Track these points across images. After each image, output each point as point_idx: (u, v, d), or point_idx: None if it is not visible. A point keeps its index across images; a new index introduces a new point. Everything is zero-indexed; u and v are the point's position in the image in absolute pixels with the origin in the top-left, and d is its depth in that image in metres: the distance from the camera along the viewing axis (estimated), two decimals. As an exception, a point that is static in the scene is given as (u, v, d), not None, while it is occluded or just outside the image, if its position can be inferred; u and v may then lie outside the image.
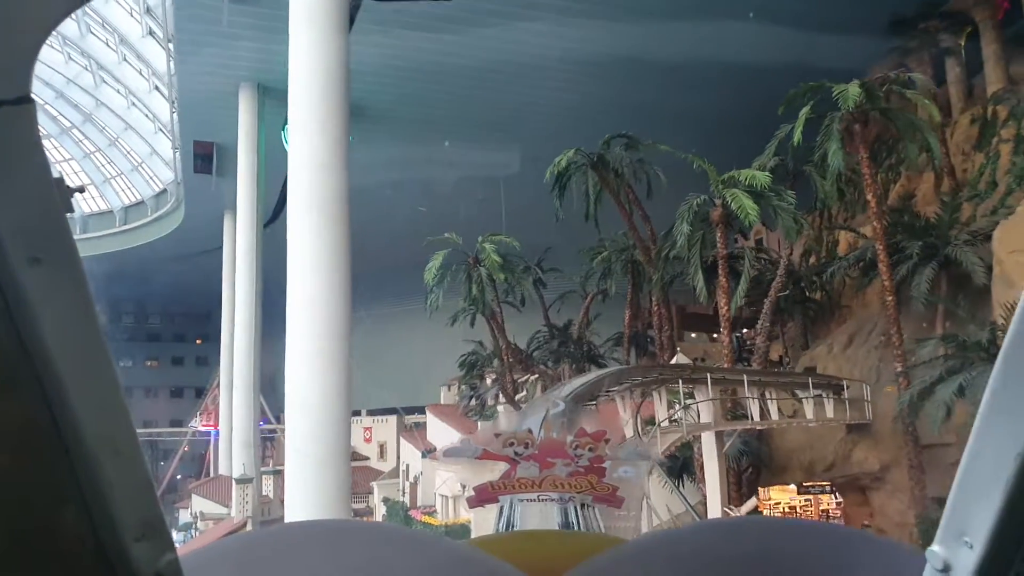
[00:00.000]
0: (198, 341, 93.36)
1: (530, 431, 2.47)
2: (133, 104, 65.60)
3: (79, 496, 0.68)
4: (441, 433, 49.36)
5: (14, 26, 0.60)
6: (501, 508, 2.98)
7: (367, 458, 69.55)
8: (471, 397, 43.71)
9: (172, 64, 48.93)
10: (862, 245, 34.56)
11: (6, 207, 0.61)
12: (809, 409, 27.79)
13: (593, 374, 23.48)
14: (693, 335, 74.80)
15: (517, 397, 45.06)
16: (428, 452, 48.69)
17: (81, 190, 0.76)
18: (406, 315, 73.48)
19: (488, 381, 49.81)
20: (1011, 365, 0.67)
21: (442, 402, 57.74)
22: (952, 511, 0.76)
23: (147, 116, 65.35)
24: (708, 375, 23.84)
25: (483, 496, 2.60)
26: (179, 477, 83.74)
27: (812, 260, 43.79)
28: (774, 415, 26.31)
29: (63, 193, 0.66)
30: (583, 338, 41.60)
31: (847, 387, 30.80)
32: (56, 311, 0.64)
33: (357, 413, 76.23)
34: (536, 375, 42.16)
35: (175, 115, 56.12)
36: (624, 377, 21.56)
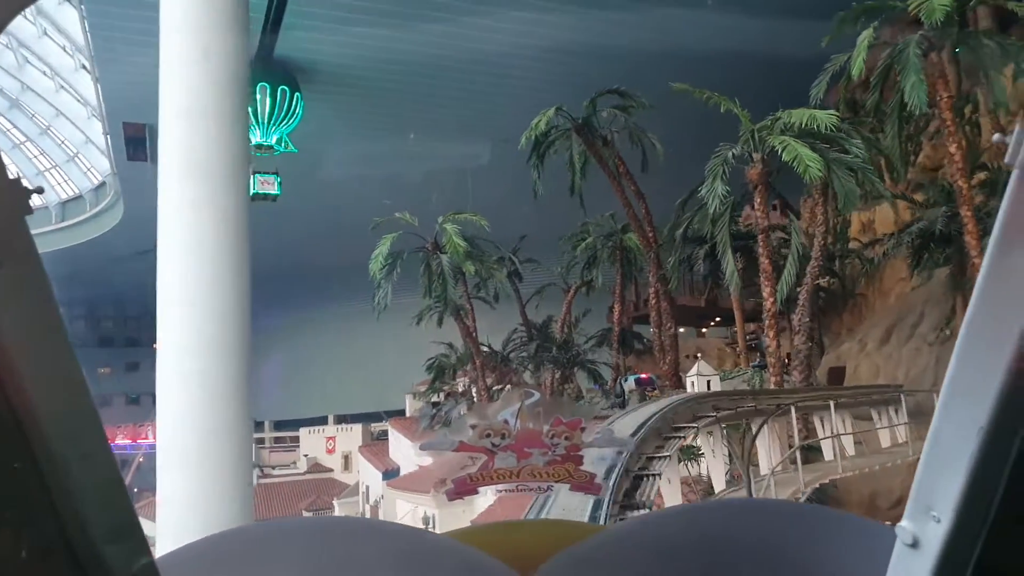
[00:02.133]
0: (155, 345, 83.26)
1: (506, 422, 2.21)
2: (62, 87, 55.75)
3: (48, 501, 0.64)
4: (404, 450, 40.35)
5: None
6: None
7: (330, 470, 60.82)
8: (432, 417, 34.48)
9: (88, 30, 39.30)
10: (917, 217, 25.86)
11: None
12: (886, 435, 19.15)
13: (655, 404, 15.89)
14: (682, 330, 66.30)
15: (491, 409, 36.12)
16: (388, 474, 39.58)
17: (40, 191, 0.69)
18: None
19: (460, 387, 40.67)
20: (971, 342, 0.66)
21: (408, 411, 48.50)
22: (919, 486, 0.74)
23: (77, 99, 55.54)
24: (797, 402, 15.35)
25: (462, 488, 2.34)
26: (135, 490, 74.01)
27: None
28: (850, 449, 17.62)
29: (20, 194, 0.62)
30: (569, 339, 32.63)
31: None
32: (18, 315, 0.60)
33: (323, 421, 67.38)
34: (513, 383, 33.08)
35: (99, 94, 46.43)
36: (702, 407, 15.11)
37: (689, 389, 23.31)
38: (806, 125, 19.26)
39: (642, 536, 1.44)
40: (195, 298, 15.15)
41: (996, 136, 0.69)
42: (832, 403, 17.46)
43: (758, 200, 20.46)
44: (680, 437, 13.61)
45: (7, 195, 0.60)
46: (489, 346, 46.96)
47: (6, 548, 0.64)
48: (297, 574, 1.19)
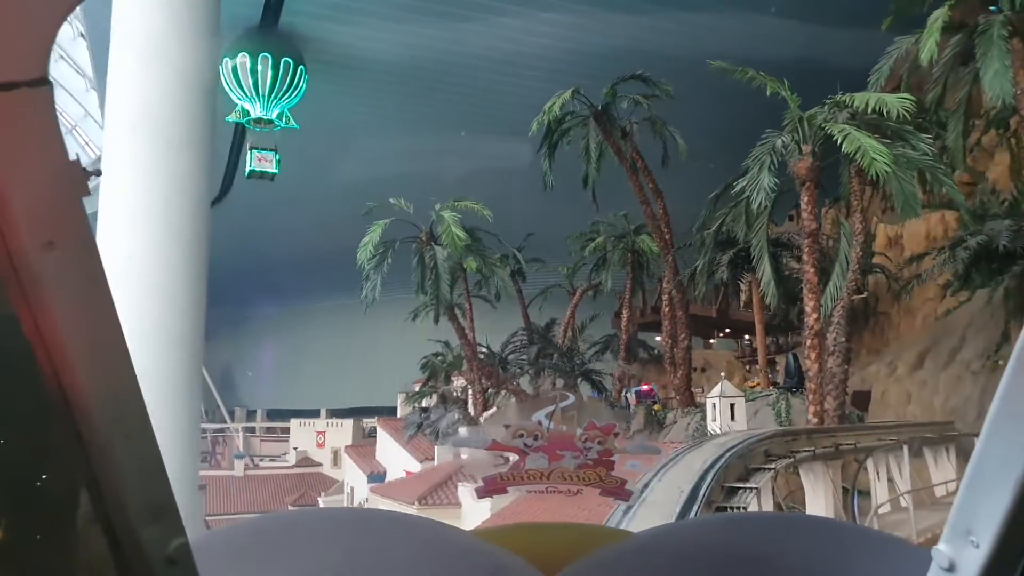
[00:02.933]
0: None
1: (540, 423, 2.29)
2: (61, 56, 52.72)
3: (92, 481, 0.65)
4: (391, 453, 37.22)
5: (33, 5, 0.56)
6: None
7: (320, 464, 57.78)
8: (419, 425, 31.11)
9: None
10: (970, 231, 22.55)
11: (22, 190, 0.58)
12: (940, 475, 15.95)
13: (738, 435, 13.88)
14: (682, 336, 62.93)
15: (486, 414, 32.87)
16: (374, 477, 36.39)
17: (98, 173, 0.63)
18: (380, 305, 61.18)
19: (455, 389, 37.39)
20: (1022, 366, 0.63)
21: (399, 411, 45.26)
22: (959, 510, 0.71)
23: (75, 70, 52.52)
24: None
25: (492, 487, 2.44)
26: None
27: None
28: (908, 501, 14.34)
29: (79, 176, 0.61)
30: (573, 346, 29.29)
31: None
32: (71, 296, 0.60)
33: (316, 414, 64.31)
34: (509, 390, 29.71)
35: (92, 62, 43.43)
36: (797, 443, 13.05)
37: (709, 412, 20.12)
38: (873, 110, 16.00)
39: (668, 545, 1.38)
40: (142, 291, 13.03)
41: None
42: (905, 446, 14.21)
43: (806, 199, 17.23)
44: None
45: (64, 176, 0.59)
46: (488, 347, 43.78)
47: (49, 525, 0.65)
48: (327, 563, 1.16)
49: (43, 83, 0.56)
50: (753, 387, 48.39)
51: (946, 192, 20.59)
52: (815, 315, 17.27)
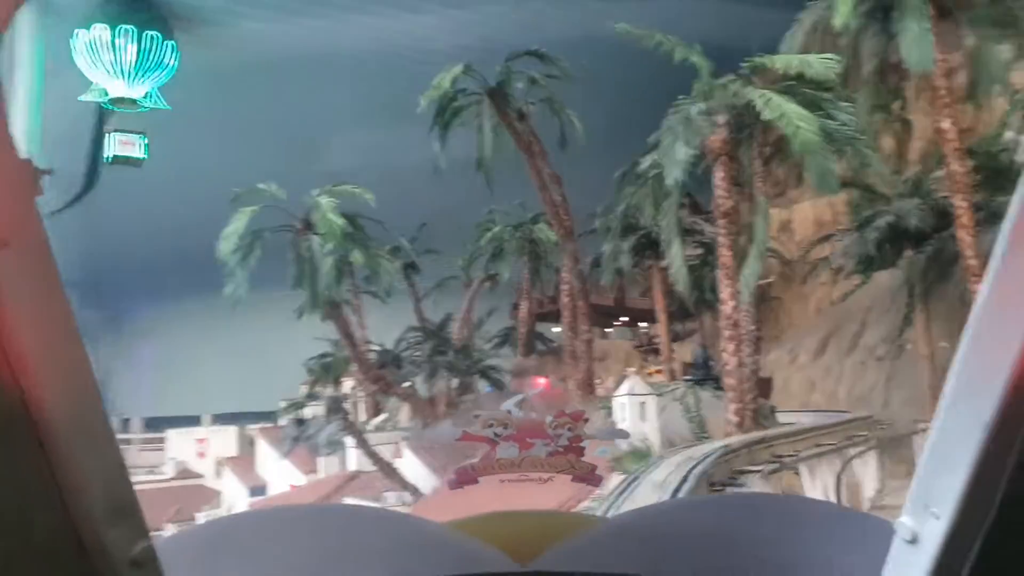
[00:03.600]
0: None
1: (509, 412, 2.32)
2: None
3: (53, 485, 0.63)
4: (271, 464, 33.94)
5: None
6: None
7: (201, 476, 53.12)
8: (294, 438, 28.03)
9: None
10: (878, 209, 21.57)
11: None
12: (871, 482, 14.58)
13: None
14: (583, 329, 61.67)
15: (374, 422, 30.14)
16: (256, 490, 32.99)
17: (49, 172, 0.59)
18: (270, 301, 56.90)
19: (345, 392, 34.32)
20: (977, 341, 0.66)
21: (280, 419, 41.67)
22: (919, 483, 0.73)
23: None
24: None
25: (463, 478, 2.40)
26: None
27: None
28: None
29: (30, 175, 0.61)
30: (469, 343, 26.95)
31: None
32: (25, 297, 0.59)
33: (196, 422, 59.49)
34: (399, 394, 26.87)
35: None
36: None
37: (617, 412, 18.24)
38: (794, 75, 14.32)
39: (640, 528, 1.39)
40: None
41: (1008, 135, 0.55)
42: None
43: (720, 175, 15.49)
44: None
45: (17, 175, 0.57)
46: (382, 346, 40.81)
47: (12, 529, 0.62)
48: (297, 559, 1.13)
49: None
50: (652, 374, 47.57)
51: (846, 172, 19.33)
52: (732, 303, 15.58)
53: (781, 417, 22.38)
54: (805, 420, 23.39)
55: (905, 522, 0.76)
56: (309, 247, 20.03)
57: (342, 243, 20.94)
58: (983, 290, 0.65)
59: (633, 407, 17.57)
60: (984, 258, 16.98)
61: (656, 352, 44.21)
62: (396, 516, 1.57)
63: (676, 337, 52.71)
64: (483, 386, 30.47)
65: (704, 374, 22.71)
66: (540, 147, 27.69)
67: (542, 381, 42.98)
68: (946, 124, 16.50)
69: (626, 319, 54.15)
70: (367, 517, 1.44)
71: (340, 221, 19.46)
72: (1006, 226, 0.61)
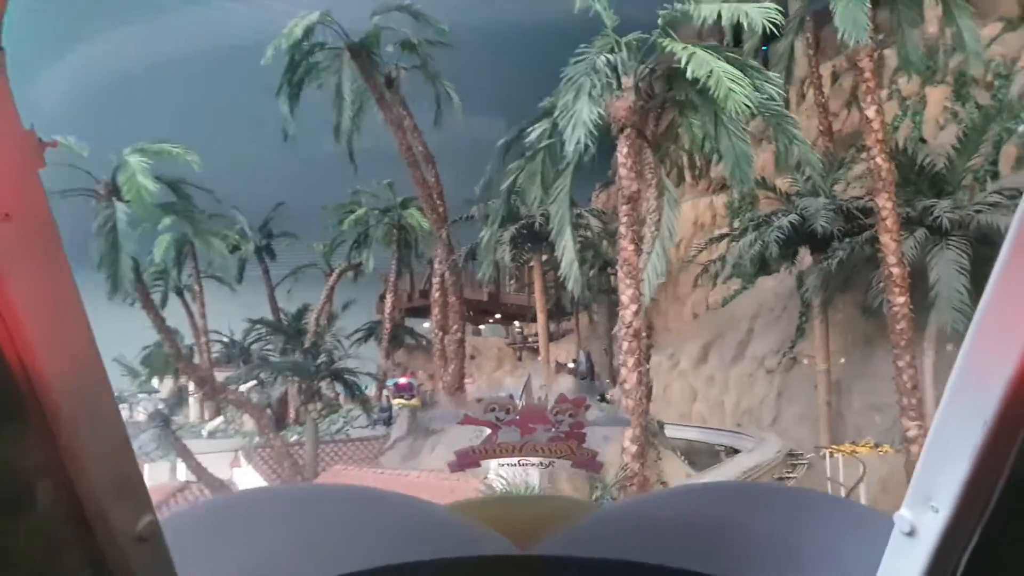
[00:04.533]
0: None
1: (511, 397, 2.72)
2: None
3: (57, 459, 0.63)
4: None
5: None
6: None
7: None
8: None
9: None
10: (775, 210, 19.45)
11: None
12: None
13: None
14: (455, 327, 58.30)
15: (211, 425, 25.52)
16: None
17: (53, 144, 0.65)
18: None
19: (172, 396, 29.31)
20: (980, 336, 0.65)
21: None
22: (920, 476, 0.73)
23: None
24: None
25: (464, 461, 2.64)
26: None
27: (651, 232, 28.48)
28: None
29: (34, 147, 0.59)
30: (318, 340, 22.75)
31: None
32: (29, 270, 0.58)
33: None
34: (229, 399, 22.34)
35: None
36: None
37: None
38: (729, 22, 11.44)
39: (638, 514, 1.40)
40: None
41: (1021, 128, 0.56)
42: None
43: (625, 150, 12.43)
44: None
45: (19, 147, 0.57)
46: (231, 337, 35.92)
47: (15, 504, 0.62)
48: (300, 538, 1.15)
49: None
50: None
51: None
52: (634, 307, 12.61)
53: (667, 431, 19.88)
54: (691, 435, 20.96)
55: (904, 515, 0.74)
56: (112, 216, 15.56)
57: (152, 213, 16.49)
58: (989, 288, 0.62)
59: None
60: (908, 266, 14.92)
61: (532, 351, 41.60)
62: (397, 497, 1.44)
63: (551, 337, 50.42)
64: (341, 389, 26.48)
65: (588, 385, 19.87)
66: (412, 121, 24.01)
67: (403, 380, 39.43)
68: (871, 112, 14.27)
69: (499, 316, 51.26)
70: (373, 498, 1.40)
71: (151, 186, 15.08)
72: (1013, 225, 0.59)
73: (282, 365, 21.42)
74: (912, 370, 13.63)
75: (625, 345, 12.74)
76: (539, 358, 27.26)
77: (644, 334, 17.74)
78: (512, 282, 46.44)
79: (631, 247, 12.37)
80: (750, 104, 10.90)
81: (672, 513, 1.34)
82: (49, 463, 0.62)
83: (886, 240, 14.15)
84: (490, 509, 1.69)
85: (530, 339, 48.94)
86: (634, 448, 12.56)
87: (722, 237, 22.09)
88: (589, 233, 25.34)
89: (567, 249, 13.50)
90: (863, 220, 17.69)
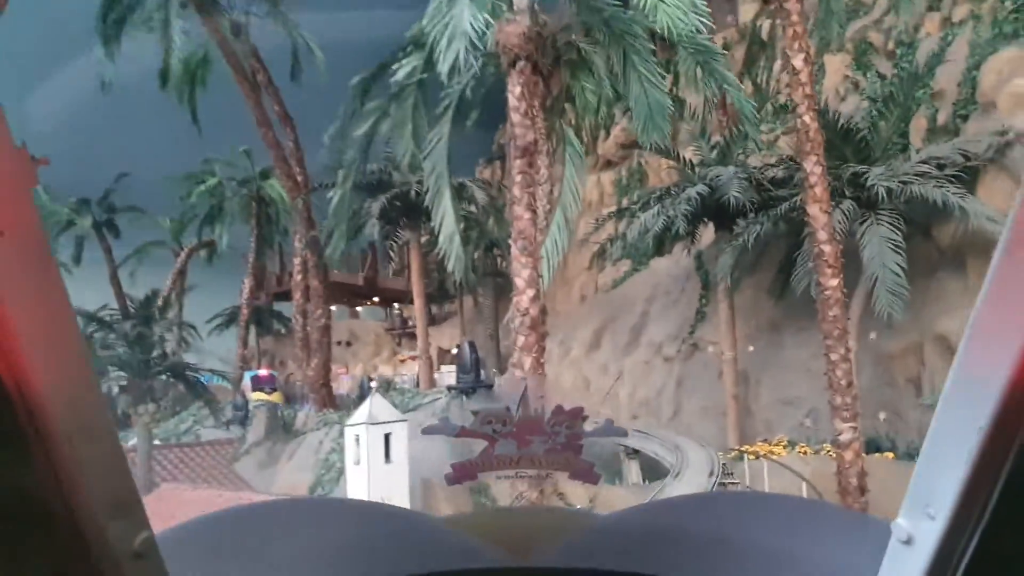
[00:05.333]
0: None
1: (508, 408, 1.94)
2: None
3: (53, 477, 0.62)
4: None
5: None
6: None
7: None
8: None
9: None
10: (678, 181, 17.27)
11: None
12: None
13: None
14: (333, 308, 54.02)
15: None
16: None
17: (45, 161, 0.67)
18: None
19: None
20: (975, 340, 0.64)
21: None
22: (916, 484, 0.73)
23: None
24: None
25: (461, 474, 1.97)
26: None
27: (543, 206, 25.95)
28: None
29: (26, 165, 0.60)
30: (145, 331, 18.69)
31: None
32: (22, 286, 0.58)
33: None
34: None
35: None
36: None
37: (350, 448, 11.73)
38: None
39: (637, 525, 1.37)
40: None
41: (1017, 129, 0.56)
42: None
43: (518, 91, 9.46)
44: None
45: (12, 164, 0.57)
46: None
47: (8, 521, 0.62)
48: (296, 552, 1.14)
49: None
50: (404, 361, 41.54)
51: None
52: (532, 291, 9.71)
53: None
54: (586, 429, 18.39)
55: (901, 523, 0.73)
56: None
57: None
58: (983, 291, 0.61)
59: (374, 441, 11.33)
60: (839, 241, 12.87)
61: (412, 336, 38.45)
62: (393, 510, 1.52)
63: (432, 321, 47.17)
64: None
65: (474, 380, 16.98)
66: (267, 77, 20.24)
67: (263, 373, 35.40)
68: (799, 61, 12.05)
69: (377, 299, 47.63)
70: (366, 511, 1.42)
71: None
72: (1007, 225, 0.58)
73: (104, 360, 17.38)
74: (847, 364, 11.57)
75: (522, 339, 9.91)
76: (418, 346, 24.07)
77: (542, 322, 15.02)
78: (392, 264, 43.05)
79: (527, 215, 9.52)
80: (682, 26, 8.21)
81: (670, 523, 1.32)
82: (45, 481, 0.60)
83: (815, 212, 11.96)
84: (487, 521, 1.66)
85: (410, 323, 45.63)
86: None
87: (620, 212, 19.65)
88: (474, 208, 22.38)
89: (446, 217, 10.50)
90: (774, 192, 15.68)
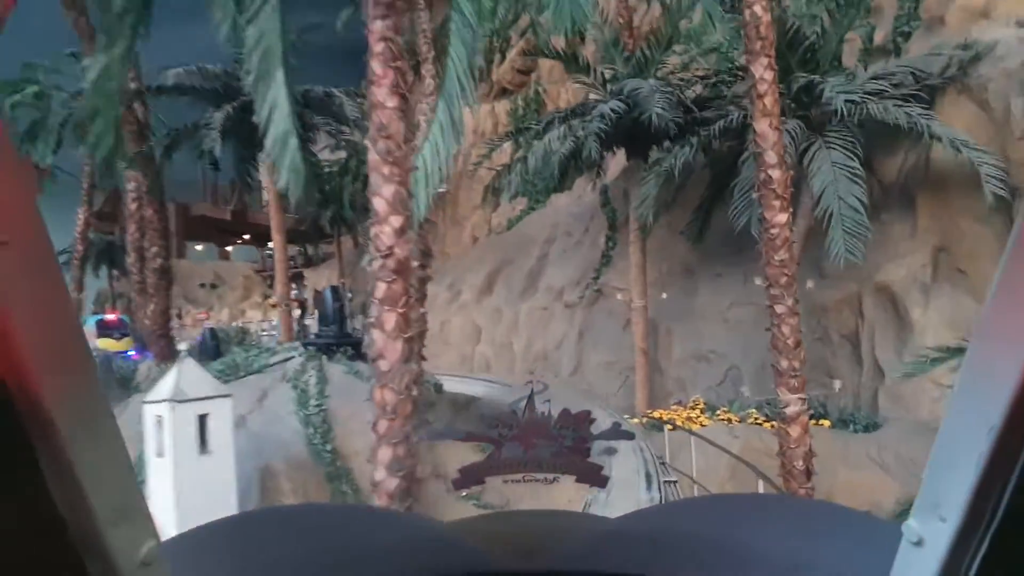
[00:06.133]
0: None
1: (514, 412, 2.47)
2: None
3: (58, 485, 0.61)
4: None
5: None
6: None
7: None
8: None
9: None
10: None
11: None
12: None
13: None
14: (200, 247, 48.76)
15: None
16: None
17: (48, 171, 0.63)
18: None
19: None
20: (985, 339, 0.63)
21: None
22: (927, 485, 0.70)
23: None
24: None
25: (469, 478, 2.42)
26: None
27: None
28: None
29: (30, 174, 0.60)
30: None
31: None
32: (27, 296, 0.57)
33: None
34: None
35: None
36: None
37: (149, 424, 8.35)
38: None
39: (644, 528, 1.33)
40: None
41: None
42: None
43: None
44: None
45: (16, 174, 0.56)
46: None
47: (10, 529, 0.61)
48: (302, 558, 1.13)
49: None
50: (276, 306, 37.58)
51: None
52: (398, 220, 6.59)
53: (445, 384, 14.58)
54: (478, 391, 15.81)
55: (911, 524, 0.71)
56: None
57: None
58: (994, 287, 0.58)
59: (183, 424, 8.09)
60: (789, 167, 10.41)
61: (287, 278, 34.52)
62: (397, 515, 1.52)
63: (309, 262, 42.97)
64: None
65: (337, 334, 13.80)
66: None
67: (110, 316, 30.95)
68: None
69: (248, 237, 42.99)
70: (371, 516, 1.41)
71: None
72: (1017, 224, 0.55)
73: None
74: (795, 319, 9.25)
75: (382, 289, 6.86)
76: (276, 291, 20.45)
77: (420, 264, 12.18)
78: (263, 195, 38.51)
79: (393, 103, 6.36)
80: None
81: (679, 526, 1.29)
82: (50, 489, 0.59)
83: (764, 128, 9.39)
84: (493, 525, 1.66)
85: (290, 268, 41.61)
86: (389, 422, 6.91)
87: (519, 132, 16.59)
88: (347, 129, 18.76)
89: (277, 111, 7.16)
90: (698, 114, 13.11)
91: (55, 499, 0.60)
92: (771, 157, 9.48)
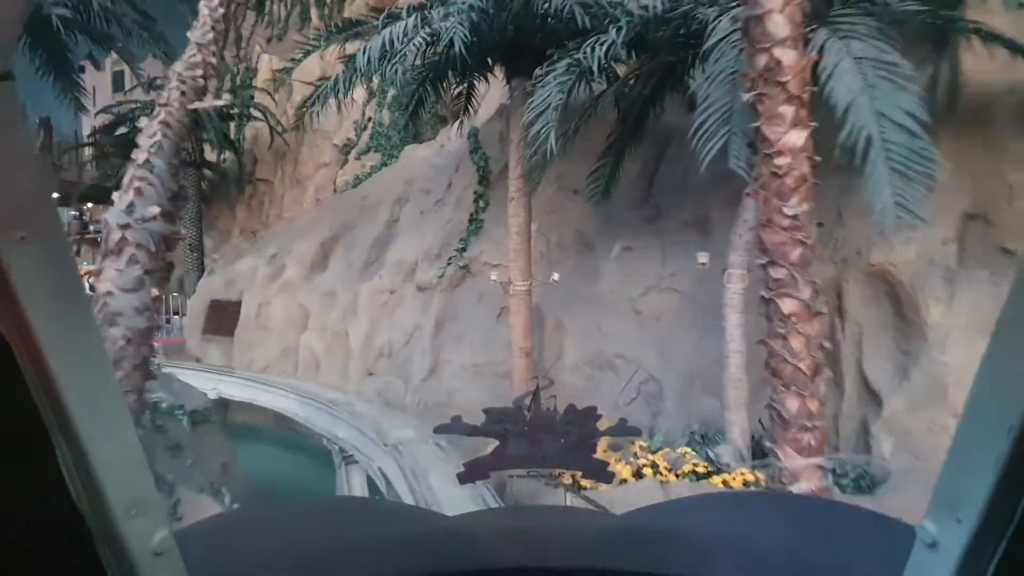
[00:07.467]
0: None
1: (520, 408, 2.11)
2: None
3: (71, 475, 0.63)
4: None
5: None
6: None
7: None
8: None
9: None
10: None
11: None
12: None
13: None
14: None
15: None
16: None
17: (67, 168, 0.65)
18: None
19: None
20: (1003, 340, 0.61)
21: None
22: (943, 487, 0.69)
23: None
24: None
25: (474, 473, 2.23)
26: None
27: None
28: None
29: (48, 172, 0.59)
30: None
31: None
32: (45, 290, 0.58)
33: None
34: None
35: None
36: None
37: None
38: None
39: (651, 525, 1.30)
40: None
41: None
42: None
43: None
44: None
45: (35, 172, 0.57)
46: None
47: (29, 520, 0.62)
48: (313, 552, 1.10)
49: (7, 78, 0.53)
50: (85, 276, 30.51)
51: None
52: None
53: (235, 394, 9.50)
54: (287, 407, 10.83)
55: (926, 526, 0.69)
56: None
57: None
58: (1011, 293, 0.56)
59: None
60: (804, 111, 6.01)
61: (96, 244, 27.79)
62: (405, 508, 1.43)
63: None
64: None
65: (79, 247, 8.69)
66: None
67: None
68: None
69: (58, 195, 35.10)
70: (381, 510, 1.37)
71: None
72: None
73: None
74: (814, 323, 5.04)
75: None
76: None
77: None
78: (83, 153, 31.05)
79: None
80: None
81: (689, 524, 1.25)
82: (65, 479, 0.61)
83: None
84: (499, 520, 1.62)
85: (92, 228, 34.30)
86: None
87: (352, 25, 11.42)
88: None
89: None
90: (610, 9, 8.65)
91: (72, 493, 0.60)
92: (778, 26, 5.12)
